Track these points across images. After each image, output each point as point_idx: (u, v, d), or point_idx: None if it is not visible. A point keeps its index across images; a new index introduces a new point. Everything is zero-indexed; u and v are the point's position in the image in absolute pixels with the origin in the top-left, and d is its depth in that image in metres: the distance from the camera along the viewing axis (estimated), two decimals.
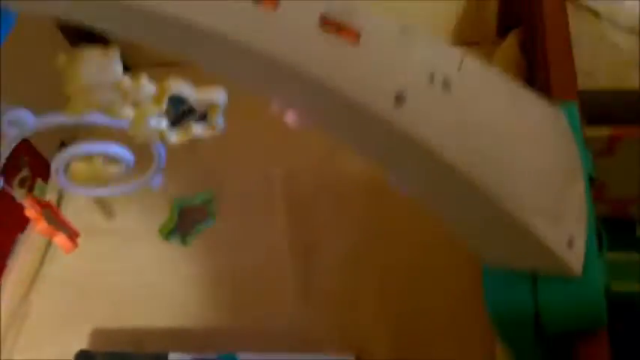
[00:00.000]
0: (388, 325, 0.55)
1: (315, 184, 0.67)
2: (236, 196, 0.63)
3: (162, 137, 0.40)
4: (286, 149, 0.68)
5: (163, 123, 0.40)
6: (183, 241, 0.49)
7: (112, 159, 0.43)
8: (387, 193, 0.63)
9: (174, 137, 0.41)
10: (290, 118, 0.33)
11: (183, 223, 0.49)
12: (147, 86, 0.37)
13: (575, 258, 0.34)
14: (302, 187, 0.66)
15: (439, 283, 0.56)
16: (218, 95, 0.38)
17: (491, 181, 0.31)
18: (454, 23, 0.75)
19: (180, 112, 0.40)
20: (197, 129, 0.40)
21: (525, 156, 0.34)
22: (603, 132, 0.55)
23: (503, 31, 0.74)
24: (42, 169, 0.67)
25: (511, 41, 0.71)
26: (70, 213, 0.61)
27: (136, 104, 0.37)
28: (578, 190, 0.36)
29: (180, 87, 0.37)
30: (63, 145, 0.77)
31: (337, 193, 0.66)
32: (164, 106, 0.38)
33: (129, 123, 0.38)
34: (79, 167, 0.42)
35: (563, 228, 0.33)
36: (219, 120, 0.40)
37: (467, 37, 0.76)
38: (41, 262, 0.65)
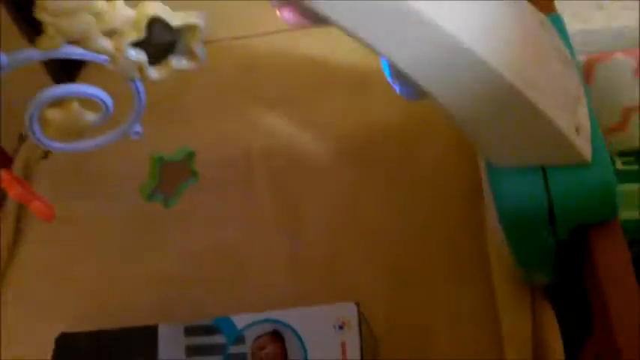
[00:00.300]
0: (384, 275, 0.53)
1: (291, 157, 0.66)
2: (214, 164, 0.61)
3: (141, 72, 0.38)
4: (265, 124, 0.68)
5: (142, 55, 0.38)
6: (166, 203, 0.46)
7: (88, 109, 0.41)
8: (365, 161, 0.64)
9: (155, 73, 0.38)
10: (286, 14, 0.32)
11: (164, 182, 0.46)
12: (124, 9, 0.35)
13: (584, 144, 0.33)
14: (279, 160, 0.65)
15: (430, 230, 0.55)
16: (198, 19, 0.36)
17: (512, 70, 0.30)
18: None
19: (159, 48, 0.38)
20: (178, 62, 0.38)
21: (538, 51, 0.34)
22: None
23: None
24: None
25: None
26: None
27: (112, 32, 0.35)
28: (577, 83, 0.36)
29: (159, 9, 0.35)
30: (22, 138, 0.74)
31: (315, 165, 0.65)
32: (143, 31, 0.36)
33: (107, 56, 0.36)
34: (53, 114, 0.39)
35: (571, 115, 0.32)
36: (200, 49, 0.38)
37: None
38: (11, 252, 0.62)
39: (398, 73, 0.33)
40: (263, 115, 0.70)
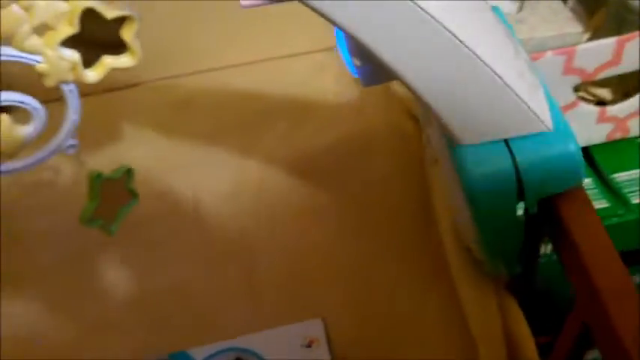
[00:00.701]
0: (345, 292, 0.51)
1: (238, 184, 0.63)
2: (158, 195, 0.57)
3: (76, 74, 0.35)
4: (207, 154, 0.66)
5: (76, 54, 0.35)
6: (108, 229, 0.42)
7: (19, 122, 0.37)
8: (313, 184, 0.63)
9: (92, 74, 0.36)
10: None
11: (104, 204, 0.42)
12: (56, 2, 0.32)
13: (543, 111, 0.32)
14: (225, 186, 0.63)
15: (385, 244, 0.55)
16: (132, 10, 0.34)
17: (470, 37, 0.30)
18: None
19: (93, 45, 0.35)
20: (114, 60, 0.36)
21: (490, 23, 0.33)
22: None
23: None
24: None
25: None
26: None
27: (42, 29, 0.32)
28: (524, 57, 0.36)
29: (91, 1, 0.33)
30: None
31: (262, 191, 0.63)
32: (77, 26, 0.33)
33: (40, 55, 0.33)
34: None
35: (527, 83, 0.32)
36: (137, 43, 0.35)
37: None
38: None
39: (359, 52, 0.31)
40: (204, 146, 0.68)
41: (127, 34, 0.34)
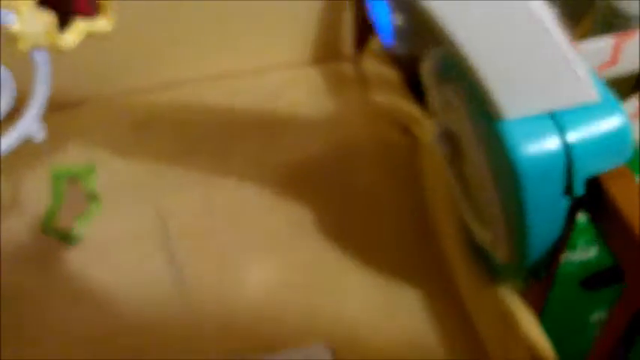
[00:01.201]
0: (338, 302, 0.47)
1: (210, 203, 0.58)
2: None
3: (51, 39, 0.30)
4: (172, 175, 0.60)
5: (51, 17, 0.29)
6: (68, 238, 0.36)
7: None
8: (293, 197, 0.58)
9: (67, 38, 0.30)
10: None
11: (65, 208, 0.36)
12: None
13: (589, 80, 0.30)
14: (195, 206, 0.57)
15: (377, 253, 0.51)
16: None
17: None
18: (309, 45, 0.74)
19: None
20: (90, 24, 0.30)
21: None
22: None
23: (360, 45, 0.75)
24: None
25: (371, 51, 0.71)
26: None
27: None
28: None
29: None
30: None
31: (238, 211, 0.57)
32: None
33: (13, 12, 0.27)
34: None
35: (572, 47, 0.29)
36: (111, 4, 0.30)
37: (324, 56, 0.75)
38: None
39: (405, 8, 0.28)
40: (170, 166, 0.62)
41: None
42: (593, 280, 0.56)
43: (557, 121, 0.30)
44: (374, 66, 0.69)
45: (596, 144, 0.29)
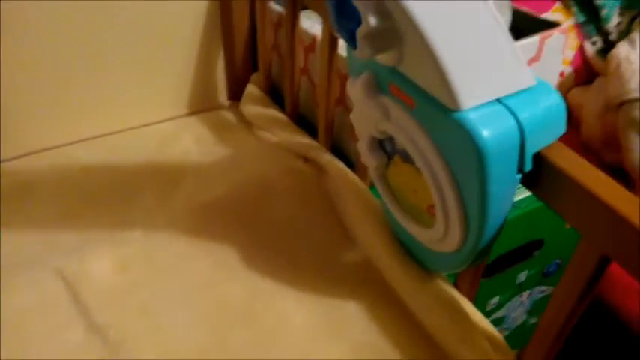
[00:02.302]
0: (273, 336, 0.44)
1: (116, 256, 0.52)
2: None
3: None
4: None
5: None
6: None
7: None
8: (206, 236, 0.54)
9: None
10: None
11: None
12: None
13: (527, 69, 0.32)
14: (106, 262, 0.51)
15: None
16: None
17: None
18: (185, 96, 0.72)
19: None
20: None
21: None
22: None
23: (235, 91, 0.74)
24: None
25: (251, 89, 0.71)
26: None
27: None
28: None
29: None
30: None
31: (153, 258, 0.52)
32: None
33: None
34: None
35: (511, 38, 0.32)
36: None
37: (201, 106, 0.73)
38: None
39: (379, 9, 0.28)
40: (64, 231, 0.55)
41: None
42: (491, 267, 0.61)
43: (506, 104, 0.32)
44: (255, 109, 0.69)
45: (541, 120, 0.32)
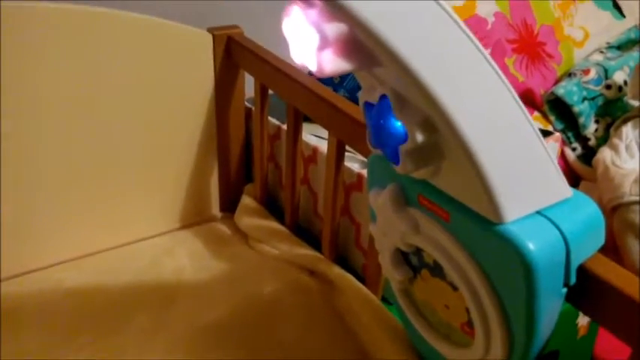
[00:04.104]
0: None
1: None
2: None
3: None
4: None
5: None
6: None
7: None
8: None
9: None
10: (326, 59, 0.24)
11: None
12: None
13: (564, 181, 0.32)
14: None
15: None
16: None
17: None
18: (178, 209, 0.70)
19: None
20: None
21: None
22: None
23: (228, 204, 0.73)
24: None
25: (247, 201, 0.69)
26: None
27: None
28: None
29: None
30: None
31: None
32: None
33: None
34: None
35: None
36: None
37: (191, 219, 0.71)
38: None
39: (425, 125, 0.28)
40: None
41: None
42: None
43: (547, 216, 0.31)
44: (251, 221, 0.67)
45: (583, 232, 0.31)
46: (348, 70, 0.25)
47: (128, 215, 0.66)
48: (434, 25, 0.26)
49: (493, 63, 0.29)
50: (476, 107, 0.28)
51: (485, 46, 0.85)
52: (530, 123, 0.30)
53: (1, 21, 0.52)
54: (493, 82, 0.29)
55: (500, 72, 0.29)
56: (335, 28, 0.23)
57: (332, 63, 0.24)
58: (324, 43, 0.23)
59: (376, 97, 0.30)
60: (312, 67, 0.25)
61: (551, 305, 0.32)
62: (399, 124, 0.29)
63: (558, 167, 0.32)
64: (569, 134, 0.88)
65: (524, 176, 0.30)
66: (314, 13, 0.24)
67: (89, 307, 0.56)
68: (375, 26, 0.24)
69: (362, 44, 0.24)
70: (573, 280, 0.32)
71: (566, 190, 0.32)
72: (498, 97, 0.28)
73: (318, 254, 0.59)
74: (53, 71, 0.56)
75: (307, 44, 0.24)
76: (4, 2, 0.51)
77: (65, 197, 0.61)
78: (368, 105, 0.32)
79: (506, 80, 0.29)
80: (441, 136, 0.29)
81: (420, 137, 0.28)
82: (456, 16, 0.27)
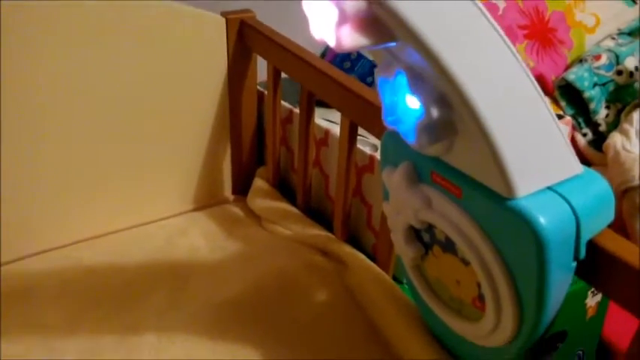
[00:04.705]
0: None
1: None
2: None
3: None
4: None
5: None
6: None
7: None
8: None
9: None
10: (345, 34, 0.25)
11: None
12: None
13: (575, 158, 0.33)
14: None
15: None
16: None
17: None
18: (191, 191, 0.71)
19: None
20: None
21: None
22: None
23: (240, 186, 0.74)
24: None
25: (259, 183, 0.71)
26: None
27: None
28: None
29: None
30: None
31: None
32: None
33: None
34: None
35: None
36: None
37: (205, 201, 0.72)
38: None
39: (440, 101, 0.28)
40: (71, 337, 0.51)
41: None
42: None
43: (558, 192, 0.32)
44: (264, 203, 0.69)
45: (593, 207, 0.32)
46: (366, 45, 0.26)
47: (143, 196, 0.67)
48: (451, 3, 0.27)
49: (508, 42, 0.29)
50: (490, 85, 0.29)
51: None
52: (543, 101, 0.30)
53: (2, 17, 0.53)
54: (508, 61, 0.29)
55: (515, 51, 0.29)
56: (353, 4, 0.24)
57: (350, 38, 0.25)
58: (342, 19, 0.24)
59: (392, 73, 0.30)
60: (331, 42, 0.26)
61: (561, 279, 0.33)
62: (414, 99, 0.30)
63: (569, 144, 0.32)
64: (580, 120, 0.89)
65: (536, 152, 0.31)
66: None
67: (107, 284, 0.57)
68: (392, 3, 0.25)
69: (380, 20, 0.25)
70: (583, 254, 0.33)
71: (577, 167, 0.33)
72: (513, 75, 0.29)
73: (330, 234, 0.60)
74: (73, 57, 0.57)
75: (326, 20, 0.25)
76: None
77: (82, 178, 0.62)
78: (383, 81, 0.32)
79: (520, 59, 0.30)
80: (455, 112, 0.29)
81: (435, 113, 0.29)
82: None
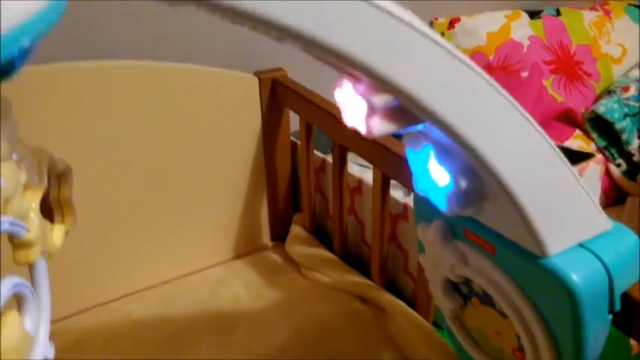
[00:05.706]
0: None
1: None
2: None
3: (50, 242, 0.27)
4: None
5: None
6: None
7: None
8: None
9: (57, 242, 0.28)
10: (375, 123, 0.27)
11: None
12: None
13: (603, 215, 0.34)
14: None
15: None
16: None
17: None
18: (231, 240, 0.74)
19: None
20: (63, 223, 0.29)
21: None
22: None
23: (278, 233, 0.76)
24: None
25: (296, 230, 0.73)
26: None
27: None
28: None
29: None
30: None
31: None
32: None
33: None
34: None
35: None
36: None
37: (244, 249, 0.75)
38: None
39: (468, 172, 0.30)
40: None
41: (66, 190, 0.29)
42: None
43: (589, 248, 0.34)
44: (302, 249, 0.71)
45: (624, 261, 0.33)
46: (395, 131, 0.28)
47: (186, 248, 0.70)
48: (467, 87, 0.29)
49: (520, 108, 0.31)
50: (512, 153, 0.30)
51: (522, 69, 0.86)
52: (559, 156, 0.32)
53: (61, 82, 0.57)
54: (525, 130, 0.31)
55: (529, 116, 0.31)
56: (381, 98, 0.26)
57: (379, 126, 0.27)
58: (371, 111, 0.27)
59: (420, 146, 0.32)
60: (362, 131, 0.28)
61: (597, 330, 0.34)
62: (442, 171, 0.32)
63: (597, 202, 0.34)
64: (613, 150, 0.89)
65: (563, 211, 0.33)
66: (362, 86, 0.27)
67: (155, 336, 0.60)
68: (418, 97, 0.27)
69: (405, 109, 0.27)
70: (618, 306, 0.34)
71: (605, 223, 0.34)
72: (531, 141, 0.31)
73: (369, 281, 0.61)
74: (121, 118, 0.61)
75: (357, 111, 0.27)
76: (76, 63, 0.56)
77: (129, 234, 0.65)
78: (411, 152, 0.35)
79: (534, 122, 0.31)
80: (482, 179, 0.31)
81: (464, 183, 0.31)
82: (483, 73, 0.29)
